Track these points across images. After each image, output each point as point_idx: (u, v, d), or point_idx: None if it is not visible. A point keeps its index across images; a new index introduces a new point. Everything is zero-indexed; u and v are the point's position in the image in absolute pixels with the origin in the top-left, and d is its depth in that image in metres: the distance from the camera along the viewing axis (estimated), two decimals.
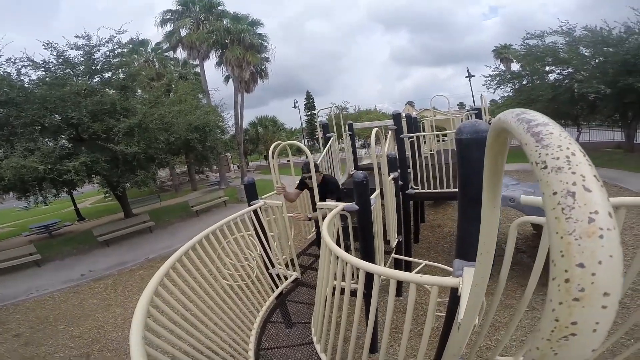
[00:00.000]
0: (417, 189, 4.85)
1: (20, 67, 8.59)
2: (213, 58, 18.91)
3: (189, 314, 1.60)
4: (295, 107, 26.51)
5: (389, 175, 3.39)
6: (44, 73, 8.87)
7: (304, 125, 34.16)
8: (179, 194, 19.25)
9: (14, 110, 8.06)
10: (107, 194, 15.64)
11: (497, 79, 15.19)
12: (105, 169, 8.48)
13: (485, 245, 0.75)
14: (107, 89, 9.60)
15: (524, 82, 14.63)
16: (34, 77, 8.91)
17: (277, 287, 2.80)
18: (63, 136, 8.88)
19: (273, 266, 2.85)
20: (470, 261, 1.22)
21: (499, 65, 21.25)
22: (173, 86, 12.17)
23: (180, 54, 18.60)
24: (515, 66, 18.35)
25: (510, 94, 15.77)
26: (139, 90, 11.18)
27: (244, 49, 17.74)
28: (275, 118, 32.20)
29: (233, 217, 2.29)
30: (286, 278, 2.97)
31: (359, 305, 1.52)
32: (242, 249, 2.74)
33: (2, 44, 8.21)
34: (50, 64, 8.92)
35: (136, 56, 15.88)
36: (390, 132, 4.66)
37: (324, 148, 4.59)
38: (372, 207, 2.35)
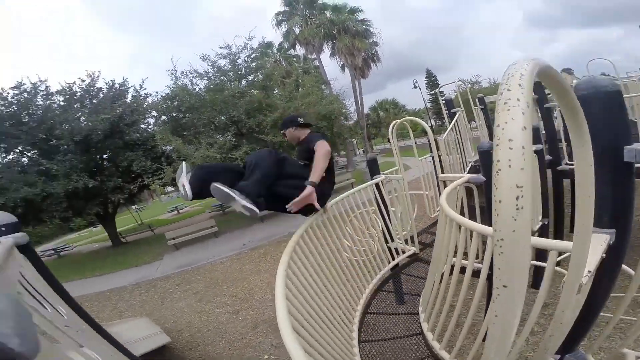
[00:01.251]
0: (573, 165, 3.98)
1: (191, 78, 11.09)
2: (327, 50, 19.83)
3: (315, 276, 1.84)
4: (415, 87, 24.95)
5: None
6: (207, 82, 11.11)
7: (429, 105, 31.76)
8: None
9: (195, 114, 10.71)
10: None
11: None
12: None
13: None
14: (252, 90, 11.45)
15: None
16: (201, 85, 11.27)
17: (393, 259, 2.96)
18: (229, 132, 11.28)
19: (392, 240, 3.03)
20: (603, 228, 1.09)
21: None
22: (300, 81, 13.36)
23: (299, 50, 20.23)
24: None
25: None
26: (275, 89, 12.80)
27: (351, 37, 18.17)
28: (395, 100, 31.34)
29: (357, 189, 2.59)
30: (404, 252, 3.09)
31: (481, 286, 1.41)
32: (367, 225, 3.02)
33: (174, 61, 10.77)
34: (209, 73, 11.11)
35: (267, 58, 17.97)
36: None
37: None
38: None
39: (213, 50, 11.47)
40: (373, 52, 19.94)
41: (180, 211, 22.25)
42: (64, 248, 15.41)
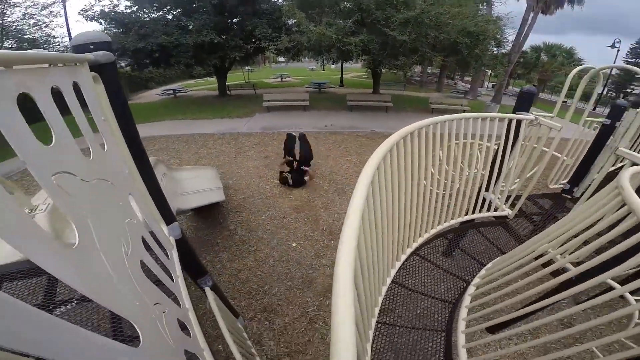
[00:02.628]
0: None
1: None
2: None
3: (391, 190, 1.61)
4: (614, 47, 17.90)
5: None
6: None
7: (615, 72, 23.75)
8: (423, 90, 20.20)
9: None
10: (366, 72, 18.70)
11: None
12: (375, 48, 9.75)
13: None
14: None
15: None
16: None
17: (479, 212, 2.54)
18: (351, 19, 10.33)
19: (493, 191, 2.53)
20: None
21: None
22: None
23: None
24: None
25: None
26: None
27: None
28: (572, 50, 23.78)
29: (495, 115, 2.02)
30: (496, 210, 2.62)
31: (549, 284, 1.24)
32: (465, 159, 2.50)
33: None
34: None
35: None
36: None
37: None
38: None
39: None
40: None
41: (283, 79, 23.33)
42: (180, 90, 17.19)
